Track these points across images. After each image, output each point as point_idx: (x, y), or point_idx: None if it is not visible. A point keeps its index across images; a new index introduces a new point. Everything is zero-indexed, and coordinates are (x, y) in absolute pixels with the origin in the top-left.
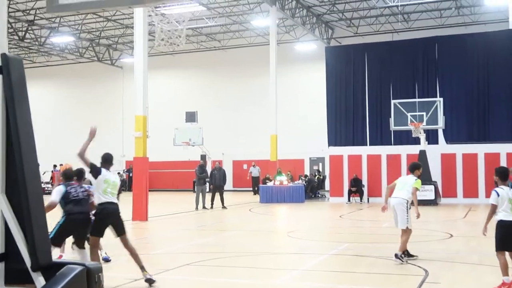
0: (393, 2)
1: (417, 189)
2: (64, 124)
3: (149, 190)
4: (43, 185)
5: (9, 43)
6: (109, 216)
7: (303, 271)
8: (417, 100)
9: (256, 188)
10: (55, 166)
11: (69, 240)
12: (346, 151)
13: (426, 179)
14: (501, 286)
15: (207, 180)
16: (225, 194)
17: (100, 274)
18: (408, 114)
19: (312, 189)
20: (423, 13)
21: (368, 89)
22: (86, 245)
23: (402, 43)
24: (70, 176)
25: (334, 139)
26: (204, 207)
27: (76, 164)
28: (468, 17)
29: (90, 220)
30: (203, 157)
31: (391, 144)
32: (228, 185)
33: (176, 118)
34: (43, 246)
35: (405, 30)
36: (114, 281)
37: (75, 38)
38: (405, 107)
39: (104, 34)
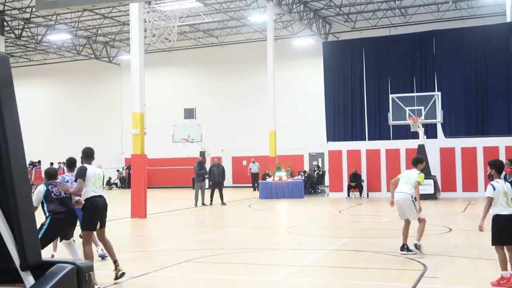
0: None
1: (419, 183)
2: (62, 122)
3: (148, 187)
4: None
5: (5, 41)
6: (99, 209)
7: (301, 267)
8: (415, 94)
9: (255, 184)
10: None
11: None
12: (345, 146)
13: (425, 173)
14: (500, 280)
15: (206, 177)
16: (225, 191)
17: (91, 272)
18: (407, 109)
19: (312, 184)
20: (421, 7)
21: (366, 84)
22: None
23: (399, 37)
24: (53, 175)
25: (333, 134)
26: (203, 204)
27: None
28: (465, 10)
29: (76, 218)
30: (203, 153)
31: (390, 139)
32: (228, 181)
33: (175, 115)
34: (32, 245)
35: (403, 25)
36: (111, 278)
37: (72, 36)
38: (403, 101)
39: (101, 31)
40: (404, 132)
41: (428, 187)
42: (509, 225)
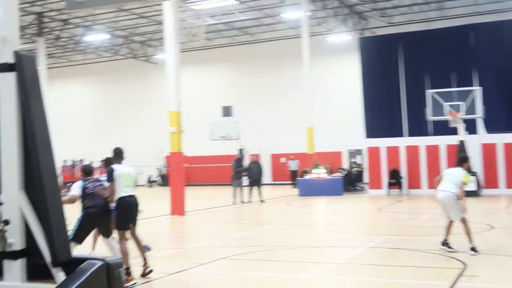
0: None
1: (464, 183)
2: (102, 121)
3: (188, 185)
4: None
5: (45, 42)
6: (130, 208)
7: (338, 264)
8: (454, 89)
9: (294, 182)
10: (65, 161)
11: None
12: (383, 143)
13: (466, 170)
14: None
15: (244, 174)
16: (263, 188)
17: (120, 269)
18: (446, 104)
19: (351, 181)
20: (458, 0)
21: (404, 80)
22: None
23: (437, 31)
24: (89, 172)
25: (371, 130)
26: (242, 201)
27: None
28: (505, 3)
29: (107, 211)
30: (241, 151)
31: (429, 135)
32: (267, 178)
33: (212, 113)
34: (62, 242)
35: (440, 19)
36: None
37: (109, 36)
38: (442, 96)
39: (137, 31)
40: (445, 128)
41: (470, 184)
42: None
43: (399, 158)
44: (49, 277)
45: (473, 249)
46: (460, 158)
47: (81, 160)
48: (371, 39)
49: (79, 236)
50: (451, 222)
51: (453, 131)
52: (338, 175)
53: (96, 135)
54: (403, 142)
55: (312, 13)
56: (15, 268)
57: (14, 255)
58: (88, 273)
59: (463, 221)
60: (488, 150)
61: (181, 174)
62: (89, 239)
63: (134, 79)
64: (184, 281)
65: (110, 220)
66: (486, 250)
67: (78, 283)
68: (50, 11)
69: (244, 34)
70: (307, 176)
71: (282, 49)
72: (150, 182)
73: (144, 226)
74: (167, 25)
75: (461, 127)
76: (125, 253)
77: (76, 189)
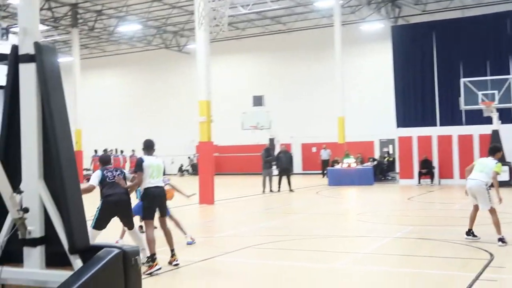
0: None
1: (497, 173)
2: (135, 111)
3: (219, 174)
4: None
5: (79, 33)
6: (156, 199)
7: (364, 254)
8: (488, 78)
9: (325, 171)
10: (95, 151)
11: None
12: (415, 132)
13: (500, 159)
14: None
15: (274, 164)
16: (294, 177)
17: (137, 257)
18: (479, 93)
19: (382, 171)
20: None
21: (437, 68)
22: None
23: (472, 19)
24: (106, 161)
25: (403, 120)
26: (271, 190)
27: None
28: None
29: (126, 200)
30: (271, 140)
31: (462, 124)
32: (298, 168)
33: (244, 102)
34: (80, 229)
35: (476, 6)
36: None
37: (142, 26)
38: (476, 85)
39: (170, 21)
40: (478, 117)
41: (503, 174)
42: None
43: (431, 148)
44: (67, 264)
45: (501, 239)
46: (492, 147)
47: (116, 150)
48: (404, 27)
49: (99, 224)
50: (475, 211)
51: (487, 121)
52: (368, 164)
53: (129, 124)
54: (435, 132)
55: (345, 2)
56: (35, 255)
57: (34, 243)
58: (105, 261)
59: (492, 211)
60: None
61: (210, 163)
62: (112, 227)
63: (167, 69)
64: (207, 269)
65: (130, 210)
66: None
67: (94, 270)
68: (84, 2)
69: (276, 24)
70: (337, 166)
71: (314, 38)
72: (181, 171)
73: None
74: (198, 15)
75: (494, 116)
76: (150, 241)
77: (94, 178)
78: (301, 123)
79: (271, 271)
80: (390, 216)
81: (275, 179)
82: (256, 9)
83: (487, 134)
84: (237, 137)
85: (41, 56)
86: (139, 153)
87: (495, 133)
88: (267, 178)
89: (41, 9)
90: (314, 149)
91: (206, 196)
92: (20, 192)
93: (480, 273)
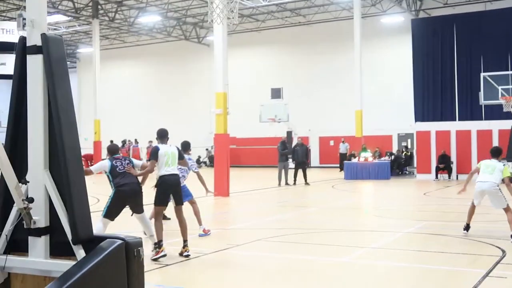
0: None
1: (510, 177)
2: (154, 101)
3: (236, 166)
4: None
5: (100, 24)
6: (170, 187)
7: (373, 249)
8: (509, 72)
9: (342, 165)
10: (111, 141)
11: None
12: (433, 127)
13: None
14: None
15: (290, 156)
16: (311, 171)
17: (140, 248)
18: (499, 88)
19: (399, 165)
20: None
21: (457, 62)
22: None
23: (494, 12)
24: (114, 151)
25: (422, 114)
26: (286, 183)
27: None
28: None
29: (139, 189)
30: (289, 133)
31: (481, 119)
32: (315, 161)
33: (262, 94)
34: (84, 220)
35: None
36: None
37: (162, 18)
38: (496, 80)
39: (190, 12)
40: (498, 113)
41: None
42: None
43: (449, 143)
44: (70, 254)
45: None
46: (496, 150)
47: (135, 140)
48: (425, 20)
49: (111, 213)
50: (474, 208)
51: (507, 116)
52: (385, 159)
53: (148, 115)
54: (454, 126)
55: None
56: (39, 244)
57: (38, 232)
58: (107, 251)
59: (508, 209)
60: None
61: (226, 156)
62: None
63: (186, 60)
64: (217, 261)
65: (141, 198)
66: None
67: (96, 260)
68: None
69: (296, 16)
70: (354, 160)
71: (333, 31)
72: (199, 163)
73: (187, 206)
74: (215, 5)
75: None
76: (158, 228)
77: (99, 166)
78: (319, 116)
79: (279, 264)
80: (404, 211)
81: (291, 172)
82: (276, 1)
83: (507, 129)
84: (255, 130)
85: (48, 47)
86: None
87: None
88: (283, 171)
89: (63, 0)
90: (331, 143)
91: (221, 188)
92: (25, 182)
93: (491, 270)
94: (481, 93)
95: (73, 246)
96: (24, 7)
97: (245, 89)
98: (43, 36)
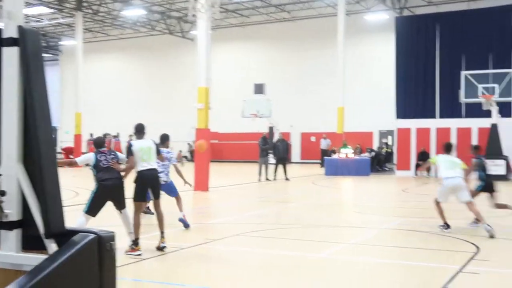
0: None
1: (466, 170)
2: (137, 95)
3: (218, 161)
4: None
5: (84, 17)
6: (147, 182)
7: (352, 245)
8: (489, 71)
9: (323, 161)
10: (91, 135)
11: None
12: (414, 124)
13: (497, 153)
14: None
15: (271, 152)
16: (292, 166)
17: (112, 242)
18: (480, 86)
19: (379, 162)
20: None
21: (439, 60)
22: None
23: (477, 12)
24: (100, 144)
25: (403, 111)
26: (267, 179)
27: None
28: None
29: (121, 184)
30: (271, 129)
31: (461, 117)
32: (296, 157)
33: (245, 90)
34: (56, 214)
35: None
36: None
37: (146, 11)
38: (477, 78)
39: (174, 6)
40: (477, 111)
41: (499, 168)
42: None
43: (429, 140)
44: (42, 248)
45: (488, 228)
46: (450, 145)
47: (118, 134)
48: (408, 18)
49: (93, 208)
50: (439, 204)
51: (486, 114)
52: (366, 155)
53: (130, 109)
54: (434, 124)
55: None
56: (11, 238)
57: (10, 226)
58: (79, 245)
59: (469, 203)
60: None
61: (206, 150)
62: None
63: (170, 55)
64: (191, 256)
65: (124, 194)
66: (504, 235)
67: (68, 254)
68: None
69: (281, 11)
70: (335, 156)
71: (318, 27)
72: (181, 158)
73: (165, 200)
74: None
75: (494, 110)
76: (136, 225)
77: (84, 158)
78: (301, 112)
79: (258, 259)
80: (383, 207)
81: (272, 168)
82: None
83: (486, 127)
84: (237, 125)
85: (24, 40)
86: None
87: (494, 127)
88: (263, 167)
89: None
90: (313, 139)
91: (201, 183)
92: None
93: (464, 266)
94: (462, 91)
95: (45, 240)
96: None
97: (228, 84)
98: (20, 28)
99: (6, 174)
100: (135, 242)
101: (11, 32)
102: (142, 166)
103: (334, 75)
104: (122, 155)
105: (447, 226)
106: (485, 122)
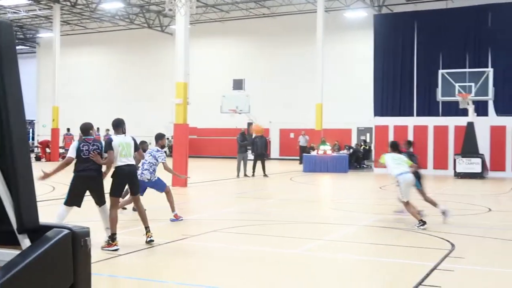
0: None
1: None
2: (115, 89)
3: (197, 157)
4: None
5: (61, 9)
6: (125, 177)
7: (328, 241)
8: (465, 70)
9: (302, 157)
10: (68, 129)
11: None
12: (392, 122)
13: (473, 151)
14: None
15: (249, 148)
16: (271, 163)
17: (87, 238)
18: (456, 85)
19: (357, 159)
20: None
21: (417, 59)
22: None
23: (454, 10)
24: (84, 129)
25: (381, 109)
26: (245, 175)
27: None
28: None
29: (98, 176)
30: (250, 125)
31: (438, 115)
32: (275, 153)
33: (224, 85)
34: (30, 209)
35: None
36: (138, 243)
37: (125, 4)
38: (454, 77)
39: (154, 0)
40: (454, 109)
41: (475, 166)
42: None
43: (406, 137)
44: (15, 244)
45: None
46: (397, 144)
47: (97, 129)
48: (387, 16)
49: (71, 199)
50: (409, 203)
51: (463, 113)
52: (344, 152)
53: (108, 103)
54: (411, 122)
55: None
56: None
57: None
58: (53, 241)
59: (407, 202)
60: (497, 133)
61: (185, 146)
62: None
63: (149, 49)
64: (170, 252)
65: (101, 186)
66: (479, 232)
67: (41, 250)
68: None
69: (261, 7)
70: (313, 153)
71: (297, 23)
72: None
73: (144, 196)
74: None
75: (470, 108)
76: (113, 220)
77: (71, 150)
78: (280, 108)
79: (235, 256)
80: (360, 204)
81: (250, 164)
82: None
83: (462, 126)
84: (216, 120)
85: None
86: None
87: (470, 125)
88: (242, 163)
89: None
90: (292, 135)
91: (179, 179)
92: None
93: (439, 263)
94: (439, 90)
95: (18, 235)
96: None
97: (207, 80)
98: None
99: None
100: (112, 238)
101: None
102: (121, 161)
103: (313, 72)
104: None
105: (423, 223)
106: (462, 121)
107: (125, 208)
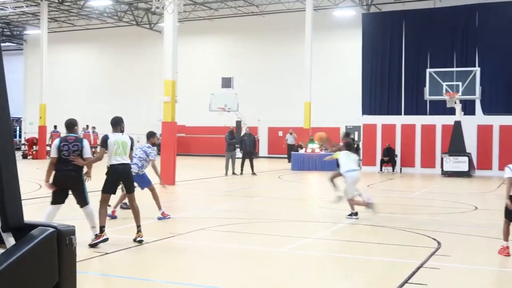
0: None
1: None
2: (103, 87)
3: (185, 155)
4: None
5: (49, 6)
6: (119, 176)
7: (314, 239)
8: (453, 69)
9: (290, 156)
10: (55, 126)
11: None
12: (379, 120)
13: (460, 150)
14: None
15: (238, 146)
16: (259, 161)
17: (72, 236)
18: (444, 84)
19: None
20: None
21: (405, 58)
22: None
23: (442, 10)
24: (68, 126)
25: (369, 107)
26: (233, 173)
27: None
28: None
29: (74, 176)
30: (238, 123)
31: (426, 114)
32: (263, 151)
33: (212, 83)
34: (14, 207)
35: None
36: (126, 242)
37: (113, 2)
38: (441, 76)
39: None
40: (441, 108)
41: (462, 165)
42: None
43: (394, 136)
44: (1, 242)
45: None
46: (348, 143)
47: (87, 126)
48: (375, 15)
49: (54, 198)
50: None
51: (450, 112)
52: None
53: (96, 101)
54: (399, 120)
55: None
56: None
57: None
58: (37, 239)
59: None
60: (484, 132)
61: (172, 144)
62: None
63: (137, 46)
64: (157, 250)
65: (80, 186)
66: (465, 230)
67: (26, 248)
68: None
69: (249, 5)
70: (301, 151)
71: (286, 22)
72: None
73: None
74: None
75: (457, 107)
76: (102, 214)
77: (53, 149)
78: (269, 106)
79: (222, 254)
80: (347, 203)
81: (238, 162)
82: None
83: (450, 124)
84: (204, 118)
85: None
86: (101, 130)
87: (458, 124)
88: (230, 161)
89: None
90: (280, 133)
91: (167, 177)
92: None
93: (425, 261)
94: (427, 89)
95: (2, 234)
96: None
97: (196, 77)
98: None
99: None
100: (101, 230)
101: None
102: (116, 160)
103: (302, 70)
104: (87, 150)
105: (355, 214)
106: (449, 120)
107: (109, 205)
